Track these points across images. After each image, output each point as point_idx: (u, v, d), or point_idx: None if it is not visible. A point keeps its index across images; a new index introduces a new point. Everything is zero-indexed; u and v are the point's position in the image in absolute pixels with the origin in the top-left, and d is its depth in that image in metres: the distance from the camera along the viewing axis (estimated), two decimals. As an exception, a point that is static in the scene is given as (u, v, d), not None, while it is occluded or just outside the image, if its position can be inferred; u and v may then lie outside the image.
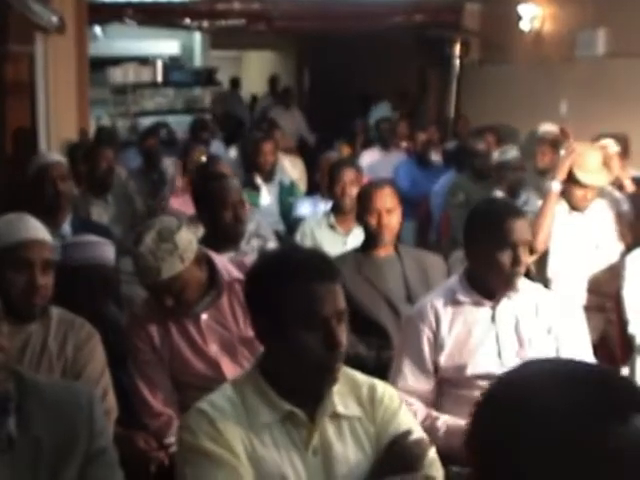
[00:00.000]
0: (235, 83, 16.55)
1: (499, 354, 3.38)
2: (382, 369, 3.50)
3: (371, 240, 4.45)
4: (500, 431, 1.32)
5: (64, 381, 3.02)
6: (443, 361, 3.43)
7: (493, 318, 3.43)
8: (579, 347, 3.51)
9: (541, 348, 3.41)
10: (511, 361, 3.34)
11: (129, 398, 3.52)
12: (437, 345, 3.43)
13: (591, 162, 5.21)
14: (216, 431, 2.27)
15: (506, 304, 3.44)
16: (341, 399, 2.40)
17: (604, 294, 5.14)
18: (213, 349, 3.53)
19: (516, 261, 3.32)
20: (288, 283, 2.30)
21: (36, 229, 3.16)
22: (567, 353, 3.44)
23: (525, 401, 1.31)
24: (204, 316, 3.53)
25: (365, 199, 4.46)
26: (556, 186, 5.01)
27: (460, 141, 9.29)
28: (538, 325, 3.44)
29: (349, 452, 2.37)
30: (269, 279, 2.38)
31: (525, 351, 3.38)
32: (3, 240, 3.09)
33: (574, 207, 5.20)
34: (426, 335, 3.43)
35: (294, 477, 2.30)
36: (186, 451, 2.31)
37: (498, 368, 3.32)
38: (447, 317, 3.44)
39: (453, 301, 3.46)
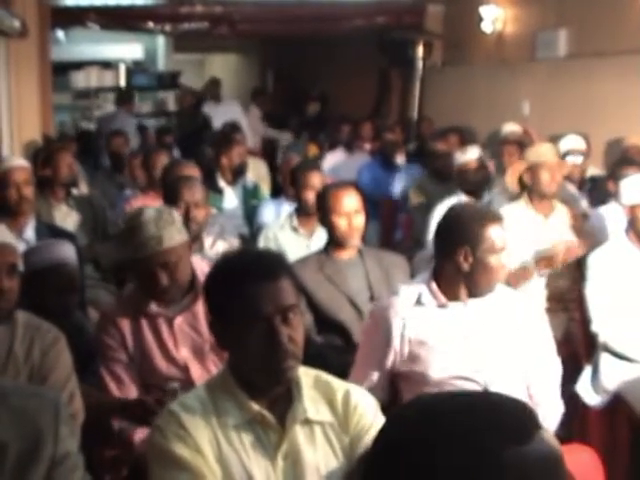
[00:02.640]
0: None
1: (467, 355, 3.40)
2: (345, 369, 3.49)
3: (336, 242, 4.43)
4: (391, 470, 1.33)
5: (30, 386, 3.01)
6: (407, 361, 3.43)
7: (460, 320, 3.43)
8: (545, 347, 3.55)
9: (508, 350, 3.43)
10: (479, 362, 3.39)
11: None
12: (400, 344, 3.42)
13: (544, 149, 5.43)
14: (185, 432, 2.28)
15: (473, 306, 3.44)
16: (313, 404, 2.38)
17: (566, 300, 5.25)
18: (183, 353, 3.54)
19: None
20: (229, 286, 2.32)
21: (2, 233, 3.16)
22: (533, 354, 3.48)
23: (416, 435, 1.31)
24: (178, 319, 3.55)
25: (331, 201, 4.43)
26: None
27: (423, 142, 9.34)
28: (506, 326, 3.45)
29: (320, 458, 2.35)
30: (215, 283, 2.42)
31: (492, 353, 3.41)
32: None
33: (539, 204, 5.36)
34: (386, 333, 3.42)
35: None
36: (155, 452, 2.33)
37: (465, 370, 3.37)
38: (412, 319, 3.42)
39: (418, 302, 3.45)
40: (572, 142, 7.28)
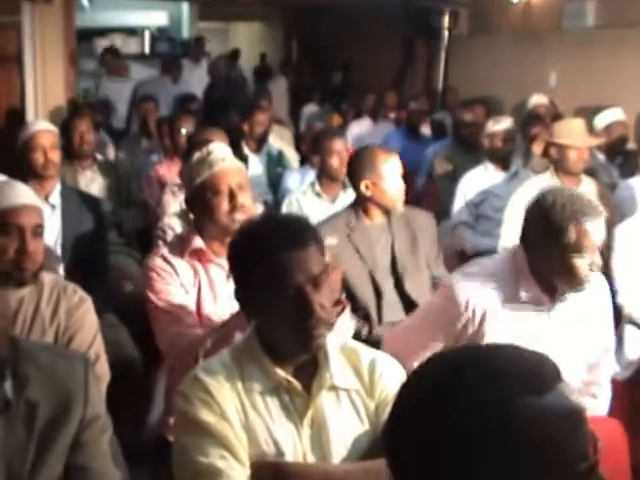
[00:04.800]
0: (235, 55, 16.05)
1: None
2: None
3: (373, 207, 4.31)
4: (406, 429, 1.33)
5: (58, 348, 3.03)
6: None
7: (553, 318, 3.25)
8: (611, 332, 3.52)
9: (579, 347, 3.31)
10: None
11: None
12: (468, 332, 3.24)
13: (573, 126, 5.35)
14: (210, 398, 2.27)
15: (557, 311, 3.26)
16: (339, 371, 2.36)
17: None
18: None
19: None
20: (257, 254, 2.30)
21: (26, 195, 3.17)
22: (602, 342, 3.43)
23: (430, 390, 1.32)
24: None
25: (376, 164, 4.26)
26: None
27: (449, 113, 9.28)
28: (582, 327, 3.32)
29: (346, 425, 2.34)
30: (241, 250, 2.40)
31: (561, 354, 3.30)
32: None
33: (566, 177, 5.33)
34: (458, 316, 3.22)
35: (288, 446, 2.29)
36: (180, 418, 2.32)
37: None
38: (500, 318, 3.22)
39: (512, 298, 3.23)
40: (612, 115, 7.22)
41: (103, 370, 3.26)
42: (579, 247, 3.03)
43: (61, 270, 4.36)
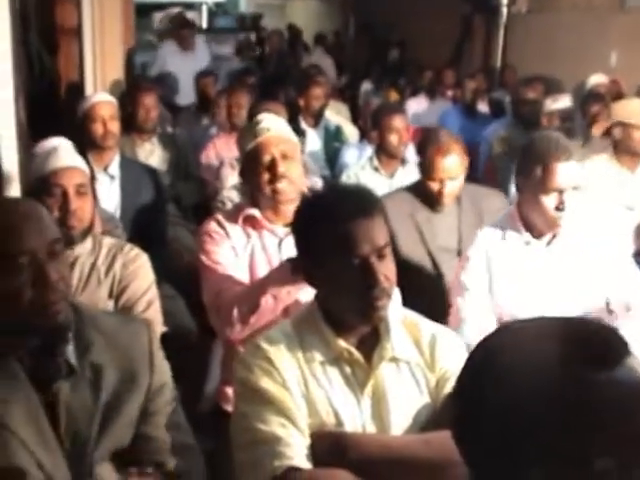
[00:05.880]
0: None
1: (544, 291, 3.41)
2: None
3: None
4: (468, 401, 1.33)
5: (121, 314, 3.09)
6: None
7: (542, 257, 3.46)
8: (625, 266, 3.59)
9: (588, 283, 3.46)
10: (557, 298, 3.39)
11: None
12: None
13: (638, 105, 5.31)
14: (271, 366, 2.27)
15: (557, 244, 3.48)
16: (400, 342, 2.36)
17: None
18: None
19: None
20: (323, 224, 2.30)
21: (67, 157, 3.28)
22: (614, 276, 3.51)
23: (490, 364, 1.31)
24: (287, 240, 3.28)
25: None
26: None
27: (507, 91, 9.19)
28: (587, 264, 3.48)
29: (406, 396, 2.34)
30: (306, 220, 2.40)
31: (571, 289, 3.42)
32: (38, 171, 3.25)
33: (626, 158, 5.25)
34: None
35: (348, 417, 2.29)
36: (240, 386, 2.33)
37: (542, 305, 3.37)
38: (496, 254, 3.48)
39: (504, 237, 3.52)
40: None
41: (156, 317, 3.32)
42: (545, 187, 3.32)
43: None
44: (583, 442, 1.20)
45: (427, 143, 4.27)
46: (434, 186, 4.18)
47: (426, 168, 4.21)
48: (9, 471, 2.03)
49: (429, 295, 4.02)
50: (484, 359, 1.34)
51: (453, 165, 4.16)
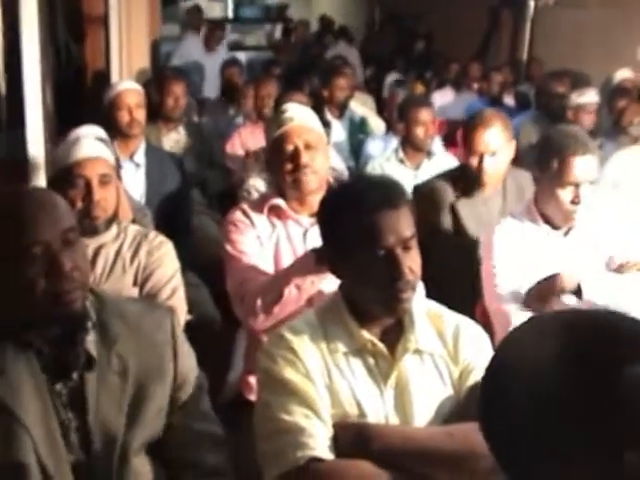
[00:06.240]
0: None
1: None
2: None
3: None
4: (494, 396, 1.33)
5: (145, 301, 3.10)
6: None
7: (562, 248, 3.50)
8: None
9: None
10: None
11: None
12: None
13: None
14: (294, 356, 2.27)
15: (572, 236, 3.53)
16: (424, 334, 2.36)
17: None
18: None
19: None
20: (348, 215, 2.29)
21: (90, 147, 3.29)
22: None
23: (517, 360, 1.30)
24: (312, 231, 3.27)
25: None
26: None
27: (533, 84, 9.15)
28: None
29: (430, 388, 2.33)
30: (331, 210, 2.40)
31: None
32: (61, 162, 3.26)
33: None
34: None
35: (371, 408, 2.29)
36: (264, 376, 2.33)
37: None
38: (514, 240, 3.52)
39: (522, 229, 3.55)
40: None
41: (180, 304, 3.33)
42: (561, 180, 3.36)
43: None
44: (613, 435, 1.19)
45: (472, 120, 4.22)
46: (473, 162, 4.08)
47: (467, 143, 4.12)
48: (13, 467, 2.04)
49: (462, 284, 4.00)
50: (513, 352, 1.33)
51: (493, 139, 4.05)
